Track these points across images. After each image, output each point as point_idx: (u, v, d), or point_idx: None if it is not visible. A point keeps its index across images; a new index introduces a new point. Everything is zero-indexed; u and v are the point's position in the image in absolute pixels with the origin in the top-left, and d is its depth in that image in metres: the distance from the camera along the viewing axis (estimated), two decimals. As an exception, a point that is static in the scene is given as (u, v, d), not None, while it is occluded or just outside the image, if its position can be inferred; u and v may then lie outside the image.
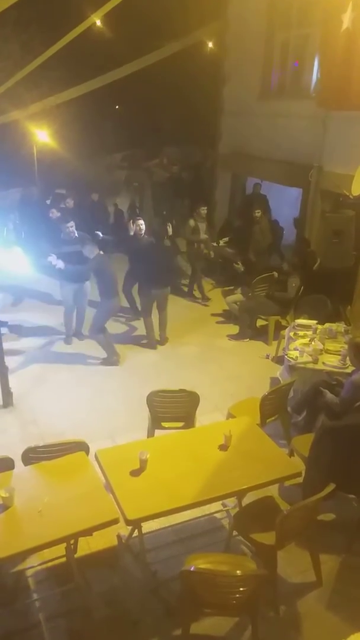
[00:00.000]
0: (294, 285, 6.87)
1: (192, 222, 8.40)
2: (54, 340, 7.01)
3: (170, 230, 7.29)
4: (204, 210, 8.49)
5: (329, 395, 4.45)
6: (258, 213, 8.67)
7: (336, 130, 7.68)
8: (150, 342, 7.01)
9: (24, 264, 5.78)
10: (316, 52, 8.18)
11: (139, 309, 7.29)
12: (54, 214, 8.51)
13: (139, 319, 7.45)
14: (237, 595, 2.91)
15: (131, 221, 7.37)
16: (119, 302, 6.71)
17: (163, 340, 7.09)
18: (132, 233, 7.22)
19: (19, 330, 7.12)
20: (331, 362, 5.12)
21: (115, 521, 3.09)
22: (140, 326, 7.48)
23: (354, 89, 6.67)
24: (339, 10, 6.71)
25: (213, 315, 8.11)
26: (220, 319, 8.00)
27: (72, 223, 6.57)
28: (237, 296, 7.69)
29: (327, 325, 5.86)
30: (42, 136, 11.38)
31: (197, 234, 8.42)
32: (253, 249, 8.67)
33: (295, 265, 7.12)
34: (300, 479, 3.76)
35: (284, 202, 10.39)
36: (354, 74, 6.64)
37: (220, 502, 3.96)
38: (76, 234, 6.57)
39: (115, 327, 7.42)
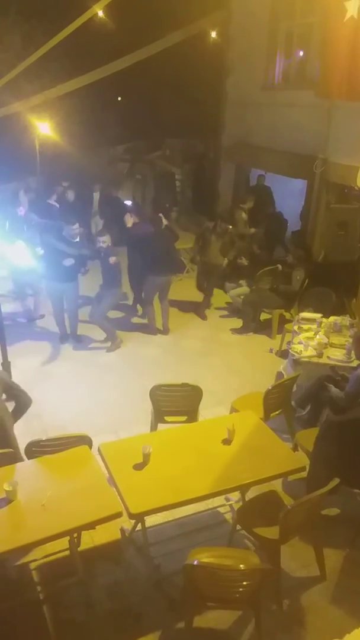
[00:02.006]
0: (298, 278, 6.83)
1: (243, 215, 8.27)
2: (57, 335, 6.99)
3: (164, 220, 7.22)
4: (249, 203, 8.34)
5: (333, 389, 4.43)
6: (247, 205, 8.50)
7: (341, 121, 7.60)
8: (151, 329, 7.06)
9: (27, 257, 5.78)
10: (320, 42, 8.07)
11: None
12: (22, 211, 8.38)
13: (139, 316, 7.44)
14: (241, 589, 2.91)
15: (128, 213, 7.31)
16: (122, 292, 6.97)
17: (166, 330, 7.10)
18: (129, 225, 7.16)
19: (22, 324, 7.11)
20: (336, 355, 5.09)
21: (118, 515, 3.09)
22: (142, 321, 7.48)
23: (358, 79, 6.58)
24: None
25: (216, 308, 8.08)
26: (224, 312, 7.97)
27: (77, 225, 6.27)
28: (241, 289, 7.64)
29: (331, 318, 5.82)
30: (44, 128, 11.30)
31: (247, 227, 8.33)
32: (256, 242, 8.63)
33: (300, 257, 7.06)
34: (304, 474, 3.75)
35: (289, 194, 10.30)
36: (359, 63, 6.54)
37: (224, 496, 3.95)
38: (77, 239, 6.36)
39: (117, 322, 7.41)
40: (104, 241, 6.22)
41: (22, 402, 3.84)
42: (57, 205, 9.54)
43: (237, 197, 11.15)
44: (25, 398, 3.86)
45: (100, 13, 9.46)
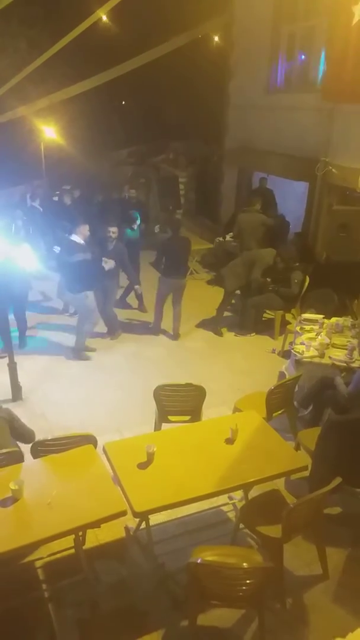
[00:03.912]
0: (296, 281, 6.85)
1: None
2: (63, 335, 7.05)
3: (158, 228, 7.45)
4: (257, 205, 8.25)
5: (338, 379, 4.44)
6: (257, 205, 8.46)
7: (343, 123, 7.63)
8: (155, 329, 7.13)
9: (32, 260, 5.84)
10: (323, 45, 8.12)
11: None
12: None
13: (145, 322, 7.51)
14: (244, 588, 2.93)
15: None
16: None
17: (176, 336, 7.10)
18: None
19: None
20: (338, 356, 5.11)
21: (123, 513, 3.12)
22: (145, 321, 7.52)
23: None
24: (350, 1, 6.65)
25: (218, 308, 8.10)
26: (226, 313, 7.99)
27: (86, 227, 6.32)
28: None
29: (333, 319, 5.85)
30: (49, 132, 11.40)
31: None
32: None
33: (294, 258, 7.08)
34: (306, 473, 3.77)
35: (291, 196, 10.34)
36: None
37: (227, 495, 3.98)
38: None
39: (122, 323, 7.46)
40: (113, 232, 6.51)
41: (25, 439, 3.84)
42: (41, 209, 9.65)
43: (240, 199, 11.21)
44: (28, 436, 3.86)
45: (104, 18, 9.56)
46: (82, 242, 6.21)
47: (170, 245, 6.84)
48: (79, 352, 6.45)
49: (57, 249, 7.17)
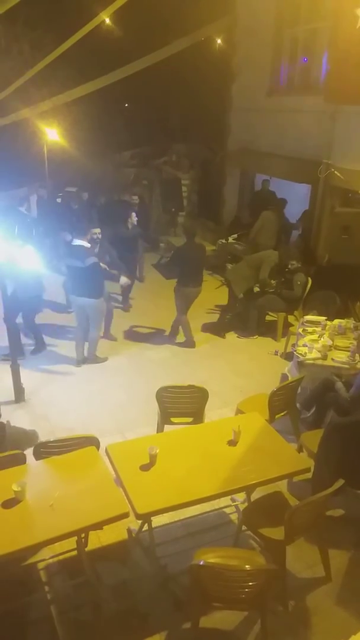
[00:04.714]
0: (299, 282, 6.85)
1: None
2: (65, 338, 7.06)
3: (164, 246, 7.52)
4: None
5: (340, 388, 4.44)
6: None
7: (346, 126, 7.64)
8: (188, 341, 6.91)
9: (36, 262, 5.85)
10: (325, 47, 8.14)
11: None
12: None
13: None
14: (246, 590, 2.92)
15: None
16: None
17: (192, 343, 6.96)
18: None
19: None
20: (340, 358, 5.11)
21: (125, 515, 3.12)
22: (148, 323, 7.53)
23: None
24: (353, 4, 6.67)
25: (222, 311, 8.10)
26: (228, 315, 7.99)
27: (98, 230, 6.27)
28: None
29: (336, 321, 5.85)
30: (52, 134, 11.43)
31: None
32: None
33: (296, 258, 7.10)
34: (309, 475, 3.76)
35: (293, 199, 10.35)
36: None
37: (230, 497, 3.98)
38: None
39: (125, 325, 7.47)
40: (96, 233, 6.36)
41: (22, 443, 3.86)
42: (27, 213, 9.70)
43: (242, 202, 11.23)
44: (27, 439, 3.92)
45: (107, 20, 9.58)
46: (89, 245, 6.02)
47: (186, 252, 6.64)
48: (95, 358, 6.40)
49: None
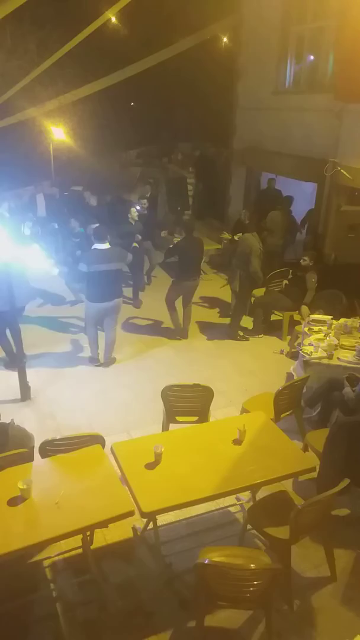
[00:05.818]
0: (313, 280, 6.80)
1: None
2: (71, 336, 7.08)
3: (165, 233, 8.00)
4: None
5: (347, 392, 4.42)
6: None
7: (352, 124, 7.60)
8: (178, 331, 7.07)
9: (42, 261, 5.86)
10: (332, 45, 8.11)
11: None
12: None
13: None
14: (251, 589, 2.92)
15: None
16: None
17: (185, 334, 7.12)
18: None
19: (35, 327, 7.21)
20: (346, 357, 5.09)
21: (130, 513, 3.12)
22: (154, 321, 7.53)
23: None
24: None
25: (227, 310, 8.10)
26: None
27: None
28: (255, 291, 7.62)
29: (342, 320, 5.82)
30: (58, 133, 11.47)
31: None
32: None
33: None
34: (314, 474, 3.76)
35: (299, 197, 10.32)
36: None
37: (235, 495, 3.98)
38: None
39: (130, 324, 7.48)
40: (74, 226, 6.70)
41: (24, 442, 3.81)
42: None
43: (248, 200, 11.20)
44: (27, 439, 3.85)
45: (113, 19, 9.60)
46: (105, 248, 5.85)
47: (183, 247, 6.79)
48: (113, 360, 6.40)
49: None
